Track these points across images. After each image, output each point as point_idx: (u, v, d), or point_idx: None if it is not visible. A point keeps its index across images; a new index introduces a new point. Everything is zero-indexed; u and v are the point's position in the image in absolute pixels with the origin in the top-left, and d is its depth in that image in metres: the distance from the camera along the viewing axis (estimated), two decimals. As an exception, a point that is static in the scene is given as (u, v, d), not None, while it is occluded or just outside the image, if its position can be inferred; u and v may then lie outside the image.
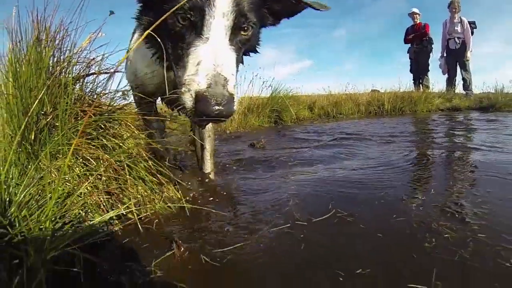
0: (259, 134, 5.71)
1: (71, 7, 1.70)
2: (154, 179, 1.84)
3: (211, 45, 1.35)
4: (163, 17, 1.31)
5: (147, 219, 1.75)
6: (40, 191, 1.43)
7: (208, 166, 2.60)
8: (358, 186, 2.39)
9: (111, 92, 1.86)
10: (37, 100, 1.40)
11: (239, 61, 1.62)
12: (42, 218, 1.31)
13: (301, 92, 11.29)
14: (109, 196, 1.69)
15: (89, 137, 1.64)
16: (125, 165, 1.64)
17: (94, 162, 1.62)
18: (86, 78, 1.74)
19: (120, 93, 1.91)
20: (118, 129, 1.84)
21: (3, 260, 1.16)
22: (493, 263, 1.38)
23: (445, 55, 12.19)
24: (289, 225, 1.75)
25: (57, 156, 1.57)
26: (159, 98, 2.28)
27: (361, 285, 1.27)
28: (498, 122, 6.53)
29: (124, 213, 1.69)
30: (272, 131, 6.42)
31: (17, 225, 1.25)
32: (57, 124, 1.56)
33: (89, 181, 1.59)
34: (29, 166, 1.49)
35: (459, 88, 12.22)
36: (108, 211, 1.61)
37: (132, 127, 1.92)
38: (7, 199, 1.33)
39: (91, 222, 1.47)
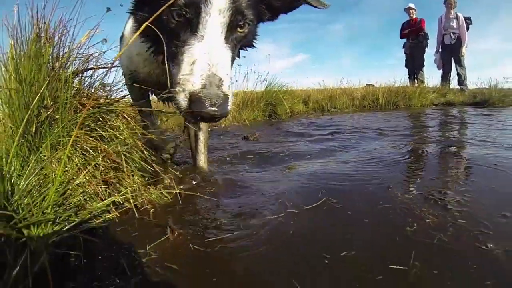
0: (253, 127, 5.80)
1: (71, 2, 1.77)
2: (149, 168, 1.93)
3: (206, 44, 1.34)
4: (156, 13, 1.33)
5: (143, 207, 1.85)
6: (41, 180, 1.52)
7: (202, 157, 2.66)
8: (349, 178, 2.49)
9: (108, 86, 1.94)
10: (39, 94, 1.49)
11: (235, 58, 1.62)
12: (44, 205, 1.40)
13: (296, 86, 11.44)
14: (106, 186, 1.78)
15: (88, 128, 1.72)
16: (122, 155, 1.71)
17: (93, 153, 1.70)
18: (85, 72, 1.82)
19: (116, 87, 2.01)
20: (115, 121, 1.92)
21: (9, 243, 1.25)
22: (470, 246, 1.49)
23: (440, 50, 12.29)
24: (282, 214, 1.85)
25: (57, 148, 1.65)
26: (154, 95, 2.33)
27: (344, 267, 1.38)
28: (490, 116, 6.67)
29: (121, 202, 1.78)
30: (266, 125, 6.52)
31: (20, 211, 1.34)
32: (57, 116, 1.64)
33: (87, 170, 1.67)
34: (30, 158, 1.57)
35: (453, 83, 12.35)
36: (105, 200, 1.70)
37: (129, 119, 2.00)
38: (10, 188, 1.42)
39: (90, 209, 1.55)
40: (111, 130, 1.76)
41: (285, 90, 8.65)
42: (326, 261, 1.40)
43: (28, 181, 1.44)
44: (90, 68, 1.80)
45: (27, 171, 1.49)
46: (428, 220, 1.71)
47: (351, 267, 1.37)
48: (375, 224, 1.73)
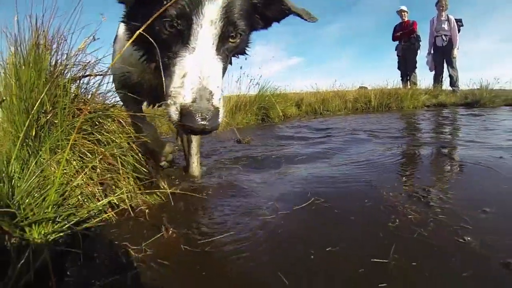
0: (246, 131, 5.89)
1: (68, 9, 1.84)
2: (143, 169, 2.02)
3: (198, 56, 1.35)
4: (146, 24, 1.35)
5: (138, 208, 1.94)
6: (41, 182, 1.61)
7: (195, 159, 2.74)
8: (338, 179, 2.61)
9: (104, 92, 2.03)
10: (39, 100, 1.57)
11: (227, 68, 1.63)
12: (45, 204, 1.48)
13: (289, 89, 11.52)
14: (102, 187, 1.86)
15: (85, 133, 1.81)
16: (118, 158, 1.80)
17: (90, 155, 1.79)
18: (82, 79, 1.90)
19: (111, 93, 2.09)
20: (110, 125, 2.01)
21: (13, 240, 1.34)
22: (449, 240, 1.60)
23: (432, 52, 12.45)
24: (273, 215, 1.95)
25: (56, 151, 1.74)
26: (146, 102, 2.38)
27: (329, 261, 1.48)
28: (479, 117, 6.82)
29: (117, 203, 1.87)
30: (259, 128, 6.61)
31: (22, 211, 1.43)
32: (55, 121, 1.73)
33: (84, 172, 1.76)
34: (30, 160, 1.66)
35: (446, 84, 12.51)
36: (102, 200, 1.79)
37: (123, 123, 2.09)
38: (11, 189, 1.50)
39: (88, 208, 1.64)
40: (107, 134, 1.85)
41: (278, 93, 8.74)
42: (312, 257, 1.50)
43: (29, 182, 1.52)
44: (88, 75, 1.89)
45: (27, 173, 1.57)
46: (410, 216, 1.82)
47: (335, 261, 1.47)
48: (360, 221, 1.83)
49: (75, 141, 1.73)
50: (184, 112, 1.26)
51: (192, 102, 1.26)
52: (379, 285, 1.28)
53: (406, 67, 13.07)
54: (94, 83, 1.98)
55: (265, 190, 2.35)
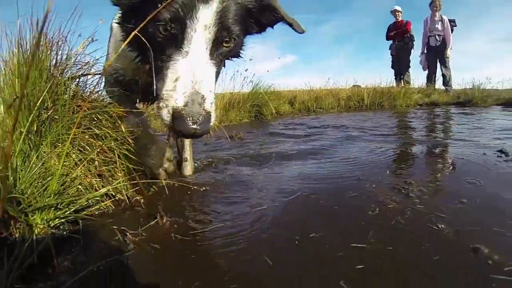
0: (239, 128, 6.02)
1: (68, 11, 1.95)
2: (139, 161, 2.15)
3: (191, 60, 1.36)
4: (139, 26, 1.37)
5: (134, 198, 2.06)
6: (42, 174, 1.72)
7: (188, 154, 2.85)
8: (324, 173, 2.76)
9: (101, 90, 2.14)
10: (41, 98, 1.69)
11: (220, 72, 1.64)
12: (47, 193, 1.61)
13: (283, 87, 11.64)
14: (100, 179, 1.98)
15: (84, 127, 1.92)
16: (115, 151, 1.92)
17: (89, 149, 1.91)
18: (81, 78, 2.02)
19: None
20: (106, 122, 2.12)
21: (17, 225, 1.46)
22: (423, 227, 1.75)
23: (425, 52, 12.64)
24: (263, 206, 2.08)
25: (56, 145, 1.85)
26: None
27: (311, 246, 1.61)
28: (469, 115, 7.02)
29: (114, 194, 1.99)
30: (252, 125, 6.74)
31: (26, 199, 1.54)
32: (56, 117, 1.85)
33: (83, 164, 1.88)
34: (32, 154, 1.77)
35: (439, 84, 12.68)
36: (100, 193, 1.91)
37: (118, 119, 2.20)
38: (15, 179, 1.62)
39: (88, 197, 1.76)
40: (105, 129, 1.96)
41: (271, 91, 8.87)
42: (296, 242, 1.63)
43: (32, 173, 1.64)
44: (86, 74, 2.00)
45: (30, 165, 1.69)
46: (389, 206, 1.96)
47: (317, 246, 1.60)
48: (343, 210, 1.97)
49: (75, 135, 1.83)
50: (176, 115, 1.29)
51: (184, 106, 1.28)
52: (357, 267, 1.41)
53: (400, 66, 13.26)
54: (92, 81, 2.10)
55: (255, 185, 2.47)
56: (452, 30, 12.03)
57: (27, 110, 1.75)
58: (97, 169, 1.95)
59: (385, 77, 20.82)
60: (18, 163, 1.73)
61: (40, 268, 1.37)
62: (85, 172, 1.89)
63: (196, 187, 2.37)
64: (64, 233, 1.60)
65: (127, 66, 1.99)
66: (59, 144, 1.84)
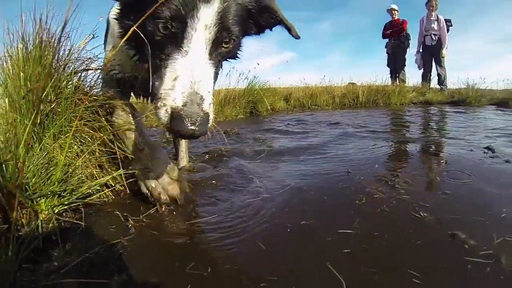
0: (234, 123, 6.12)
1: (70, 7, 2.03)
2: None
3: (190, 60, 1.36)
4: (137, 23, 1.39)
5: (133, 187, 2.16)
6: (46, 163, 1.82)
7: (183, 149, 2.95)
8: (316, 167, 2.87)
9: (101, 85, 2.23)
10: (45, 91, 1.79)
11: (218, 72, 1.65)
12: (51, 180, 1.71)
13: (279, 84, 11.76)
14: (100, 170, 2.08)
15: (85, 120, 2.02)
16: (115, 142, 2.00)
17: (90, 140, 2.01)
18: (83, 72, 2.11)
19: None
20: (105, 115, 2.22)
21: (24, 211, 1.56)
22: (407, 215, 1.88)
23: (421, 51, 12.80)
24: (258, 197, 2.19)
25: (58, 136, 1.95)
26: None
27: (302, 232, 1.73)
28: (462, 114, 7.19)
29: (113, 184, 2.09)
30: (247, 121, 6.85)
31: (31, 187, 1.64)
32: (59, 110, 1.94)
33: (84, 155, 1.97)
34: (35, 145, 1.87)
35: (434, 82, 12.85)
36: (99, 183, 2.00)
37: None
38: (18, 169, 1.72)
39: (90, 185, 1.86)
40: (105, 122, 2.05)
41: (267, 87, 9.01)
42: (288, 229, 1.74)
43: (37, 162, 1.74)
44: (88, 69, 2.08)
45: (34, 156, 1.78)
46: (376, 196, 2.09)
47: (307, 232, 1.72)
48: (332, 200, 2.10)
49: (76, 127, 1.93)
50: (174, 115, 1.28)
51: (182, 106, 1.28)
52: (343, 251, 1.53)
53: (395, 65, 13.40)
54: (93, 76, 2.19)
55: (249, 177, 2.58)
56: (448, 30, 12.20)
57: (31, 103, 1.84)
58: (98, 160, 2.04)
59: (380, 75, 20.97)
60: (23, 153, 1.83)
61: (45, 251, 1.46)
62: (86, 163, 1.99)
63: (193, 179, 2.48)
64: (67, 219, 1.70)
65: (124, 62, 1.98)
66: (62, 136, 1.93)
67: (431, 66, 12.68)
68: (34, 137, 1.87)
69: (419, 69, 13.11)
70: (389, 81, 13.03)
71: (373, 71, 26.70)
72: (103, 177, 2.03)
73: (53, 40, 1.99)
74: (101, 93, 2.22)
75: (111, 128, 2.03)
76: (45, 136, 1.88)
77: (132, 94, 2.38)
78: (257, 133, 4.94)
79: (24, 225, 1.53)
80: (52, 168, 1.78)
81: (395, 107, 9.69)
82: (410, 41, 13.21)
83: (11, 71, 1.98)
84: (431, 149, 3.48)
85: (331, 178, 2.53)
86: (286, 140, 4.34)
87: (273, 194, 2.23)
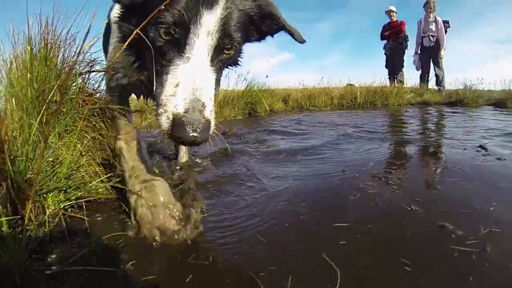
0: (233, 124, 6.19)
1: (77, 10, 2.10)
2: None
3: (192, 66, 1.35)
4: (138, 28, 1.38)
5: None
6: (52, 161, 1.90)
7: (183, 147, 3.01)
8: (313, 166, 2.96)
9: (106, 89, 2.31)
10: (52, 92, 1.87)
11: (220, 78, 1.67)
12: (56, 178, 1.79)
13: (277, 85, 11.80)
14: (104, 168, 2.16)
15: (88, 121, 2.09)
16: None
17: (92, 140, 2.09)
18: (87, 74, 2.19)
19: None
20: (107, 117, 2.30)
21: (31, 206, 1.64)
22: (398, 208, 1.99)
23: (419, 52, 12.89)
24: (257, 194, 2.28)
25: (63, 136, 2.03)
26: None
27: (300, 226, 1.82)
28: (458, 114, 7.30)
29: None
30: (245, 122, 6.94)
31: (38, 183, 1.72)
32: (64, 109, 2.02)
33: (88, 154, 2.05)
34: (41, 144, 1.95)
35: (431, 83, 12.95)
36: (103, 180, 2.08)
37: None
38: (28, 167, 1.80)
39: (93, 184, 1.94)
40: (107, 123, 2.13)
41: (265, 89, 9.09)
42: (287, 224, 1.83)
43: (43, 160, 1.82)
44: (92, 71, 2.16)
45: (39, 154, 1.86)
46: (369, 191, 2.19)
47: (305, 225, 1.82)
48: (327, 195, 2.20)
49: (81, 128, 2.00)
50: (176, 122, 1.27)
51: (184, 112, 1.27)
52: (340, 243, 1.63)
53: (394, 66, 13.48)
54: (96, 78, 2.27)
55: (248, 176, 2.67)
56: (445, 31, 12.29)
57: (38, 102, 1.92)
58: (101, 158, 2.12)
59: (379, 76, 21.08)
60: (29, 152, 1.91)
61: (52, 243, 1.55)
62: (89, 161, 2.07)
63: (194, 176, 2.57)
64: (73, 214, 1.79)
65: (127, 65, 1.93)
66: (66, 135, 2.01)
67: (429, 67, 12.76)
68: (40, 135, 1.95)
69: (417, 70, 13.20)
70: (387, 82, 13.11)
71: (372, 72, 26.85)
72: (105, 174, 2.11)
73: (59, 42, 2.07)
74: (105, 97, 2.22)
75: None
76: (51, 135, 1.96)
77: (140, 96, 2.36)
78: (256, 134, 5.03)
79: (32, 219, 1.60)
80: (57, 166, 1.87)
81: (392, 108, 9.81)
82: (408, 43, 13.29)
83: (18, 72, 2.06)
84: (425, 149, 3.57)
85: (328, 177, 2.62)
86: (284, 141, 4.43)
87: (270, 192, 2.32)
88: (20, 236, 1.41)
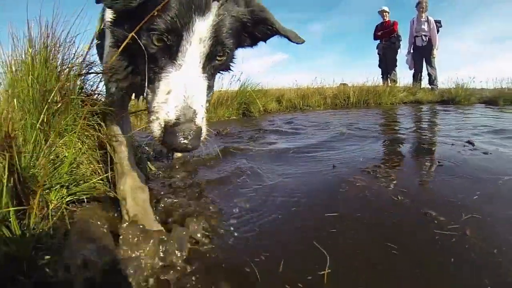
0: (227, 124, 6.29)
1: (75, 13, 2.19)
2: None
3: (184, 73, 1.36)
4: (131, 34, 1.40)
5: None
6: (53, 159, 1.99)
7: None
8: (304, 162, 3.08)
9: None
10: (53, 92, 1.96)
11: (212, 85, 1.71)
12: (58, 174, 1.88)
13: (271, 85, 11.90)
14: (103, 165, 2.25)
15: (87, 120, 2.18)
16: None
17: (92, 139, 2.18)
18: (86, 75, 2.28)
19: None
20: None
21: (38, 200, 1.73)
22: (385, 198, 2.12)
23: (412, 51, 13.07)
24: (251, 187, 2.40)
25: (63, 135, 2.12)
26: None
27: (293, 216, 1.94)
28: (453, 112, 7.46)
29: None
30: (239, 122, 7.03)
31: (40, 180, 1.82)
32: (64, 109, 2.11)
33: (87, 152, 2.15)
34: (42, 143, 2.04)
35: (424, 82, 13.13)
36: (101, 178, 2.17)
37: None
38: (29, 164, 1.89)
39: (93, 181, 2.04)
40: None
41: (259, 89, 9.22)
42: (280, 215, 1.94)
43: (45, 158, 1.91)
44: (91, 73, 2.25)
45: (42, 152, 1.95)
46: (358, 184, 2.31)
47: (298, 216, 1.93)
48: (318, 189, 2.32)
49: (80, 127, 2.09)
50: (167, 129, 1.29)
51: (175, 120, 1.29)
52: (331, 231, 1.74)
53: (387, 65, 13.65)
54: (94, 79, 2.36)
55: (241, 174, 2.77)
56: (437, 31, 12.48)
57: (39, 102, 2.01)
58: (100, 156, 2.21)
59: (372, 75, 21.25)
60: (30, 150, 2.00)
61: (54, 234, 1.64)
62: (90, 159, 2.16)
63: (184, 174, 2.67)
64: (74, 208, 1.88)
65: (120, 68, 1.90)
66: (66, 134, 2.10)
67: (422, 67, 12.97)
68: (41, 134, 2.04)
69: (410, 69, 13.40)
70: (381, 82, 13.27)
71: (365, 72, 27.14)
72: (105, 171, 2.19)
73: (58, 44, 2.16)
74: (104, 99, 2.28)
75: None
76: (51, 134, 2.04)
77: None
78: (250, 133, 5.13)
79: (36, 213, 1.69)
80: (58, 163, 1.96)
81: (385, 107, 9.97)
82: (401, 42, 13.49)
83: (20, 74, 2.14)
84: (414, 145, 3.71)
85: (319, 172, 2.73)
86: (276, 139, 4.55)
87: (263, 186, 2.43)
88: (26, 227, 1.51)
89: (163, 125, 1.30)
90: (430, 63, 12.63)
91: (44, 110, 1.96)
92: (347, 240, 1.65)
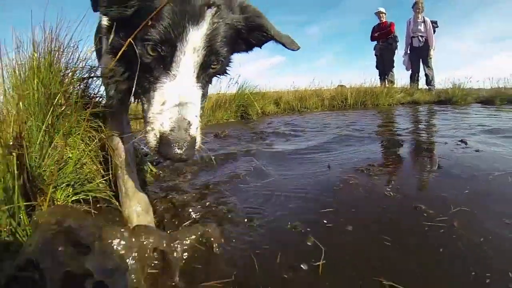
0: (225, 127, 6.39)
1: (77, 18, 2.27)
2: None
3: (178, 84, 1.38)
4: (127, 41, 1.41)
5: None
6: (57, 159, 2.08)
7: None
8: (297, 162, 3.18)
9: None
10: (58, 96, 2.05)
11: (206, 93, 1.73)
12: (63, 173, 1.97)
13: (269, 88, 12.01)
14: (105, 166, 2.34)
15: (90, 122, 2.27)
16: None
17: (94, 140, 2.27)
18: (89, 79, 2.37)
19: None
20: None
21: (42, 198, 1.82)
22: (378, 194, 2.23)
23: (409, 52, 13.21)
24: (247, 185, 2.51)
25: (67, 136, 2.20)
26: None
27: (290, 213, 2.02)
28: (448, 112, 7.58)
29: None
30: (237, 124, 7.12)
31: (46, 178, 1.91)
32: (68, 112, 2.20)
33: (90, 153, 2.23)
34: (46, 144, 2.12)
35: (422, 83, 13.27)
36: (104, 176, 2.26)
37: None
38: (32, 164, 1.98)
39: (96, 181, 2.13)
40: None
41: (257, 92, 9.32)
42: (277, 212, 2.04)
43: (50, 158, 2.00)
44: (93, 76, 2.34)
45: (47, 153, 2.04)
46: (351, 182, 2.42)
47: (294, 213, 2.02)
48: (313, 187, 2.42)
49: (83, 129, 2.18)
50: (162, 140, 1.32)
51: (170, 131, 1.31)
52: (327, 225, 1.84)
53: (384, 66, 13.77)
54: (96, 83, 2.45)
55: (239, 172, 2.87)
56: (434, 31, 12.62)
57: (44, 105, 2.10)
58: (102, 157, 2.30)
59: (370, 77, 21.40)
60: (36, 151, 2.09)
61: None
62: (93, 159, 2.25)
63: (183, 175, 2.76)
64: (78, 206, 1.97)
65: (117, 73, 1.85)
66: (70, 135, 2.19)
67: (419, 67, 13.11)
68: (47, 136, 2.13)
69: (407, 70, 13.54)
70: (378, 83, 13.39)
71: (363, 73, 27.23)
72: (108, 170, 2.28)
73: (62, 49, 2.25)
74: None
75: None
76: (56, 136, 2.13)
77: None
78: (248, 135, 5.22)
79: (43, 209, 1.78)
80: (62, 164, 2.05)
81: (383, 108, 10.09)
82: (398, 43, 13.65)
83: (26, 77, 2.23)
84: (409, 144, 3.83)
85: (314, 171, 2.84)
86: (274, 141, 4.65)
87: (261, 183, 2.54)
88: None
89: (158, 136, 1.33)
90: (427, 64, 12.78)
91: (49, 113, 2.05)
92: (342, 233, 1.76)
